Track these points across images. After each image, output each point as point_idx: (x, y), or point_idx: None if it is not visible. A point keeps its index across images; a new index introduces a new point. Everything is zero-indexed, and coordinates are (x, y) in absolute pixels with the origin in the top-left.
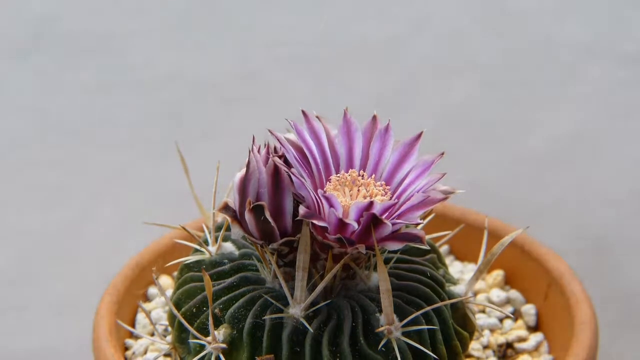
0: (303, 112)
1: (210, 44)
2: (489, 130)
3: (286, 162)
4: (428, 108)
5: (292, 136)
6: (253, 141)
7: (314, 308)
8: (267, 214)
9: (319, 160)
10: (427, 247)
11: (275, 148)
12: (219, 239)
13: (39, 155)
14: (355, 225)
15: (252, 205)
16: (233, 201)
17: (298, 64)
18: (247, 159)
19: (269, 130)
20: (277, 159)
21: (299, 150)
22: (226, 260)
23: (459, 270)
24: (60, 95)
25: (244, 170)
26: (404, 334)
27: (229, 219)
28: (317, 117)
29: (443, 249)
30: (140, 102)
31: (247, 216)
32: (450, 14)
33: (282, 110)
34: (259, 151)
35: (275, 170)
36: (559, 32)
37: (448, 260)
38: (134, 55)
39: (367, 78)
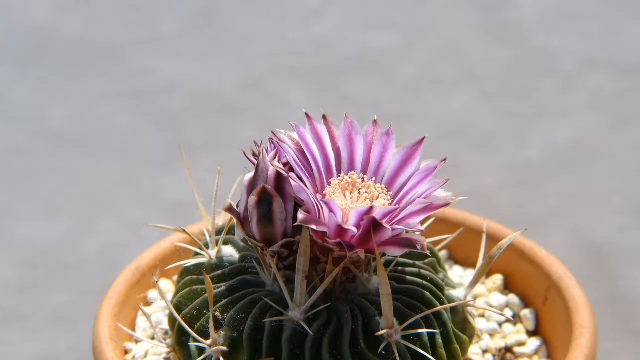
0: (306, 114)
1: (210, 53)
2: (488, 140)
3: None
4: (427, 118)
5: (295, 136)
6: (260, 145)
7: (314, 311)
8: (274, 201)
9: (320, 162)
10: (427, 253)
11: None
12: (219, 243)
13: (40, 164)
14: (355, 230)
15: (261, 189)
16: (237, 203)
17: (298, 74)
18: (257, 161)
19: (272, 132)
20: (277, 163)
21: (301, 152)
22: (226, 264)
23: (459, 275)
24: (61, 104)
25: (252, 172)
26: (404, 337)
27: (234, 219)
28: (323, 115)
29: (442, 254)
30: (140, 111)
31: (251, 207)
32: (449, 24)
33: (282, 119)
34: (267, 152)
35: (278, 175)
36: (557, 42)
37: (447, 264)
38: (135, 64)
39: (366, 88)
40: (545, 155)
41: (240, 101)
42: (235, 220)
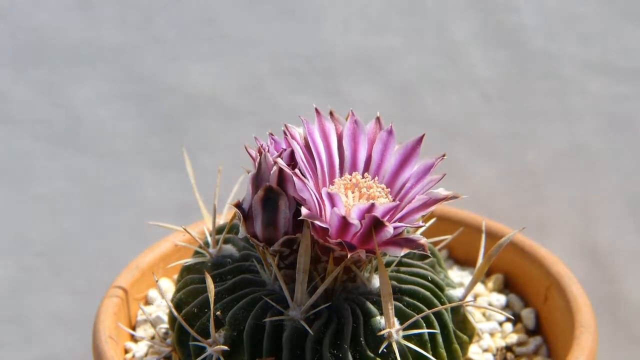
0: (316, 109)
1: (210, 56)
2: (487, 144)
3: (292, 159)
4: (426, 121)
5: (302, 132)
6: (266, 147)
7: (314, 310)
8: (280, 198)
9: (324, 160)
10: (428, 254)
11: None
12: (220, 241)
13: (40, 166)
14: (358, 224)
15: (267, 187)
16: (242, 201)
17: (297, 77)
18: (258, 160)
19: (285, 125)
20: (280, 161)
21: (307, 148)
22: (228, 261)
23: (459, 274)
24: (61, 106)
25: (255, 171)
26: (405, 337)
27: (239, 217)
28: (330, 112)
29: (442, 253)
30: (140, 113)
31: (256, 204)
32: (448, 27)
33: (281, 122)
34: (268, 151)
35: (280, 175)
36: (557, 46)
37: (447, 264)
38: (135, 67)
39: (366, 91)
40: (545, 159)
41: (240, 104)
42: (240, 217)
